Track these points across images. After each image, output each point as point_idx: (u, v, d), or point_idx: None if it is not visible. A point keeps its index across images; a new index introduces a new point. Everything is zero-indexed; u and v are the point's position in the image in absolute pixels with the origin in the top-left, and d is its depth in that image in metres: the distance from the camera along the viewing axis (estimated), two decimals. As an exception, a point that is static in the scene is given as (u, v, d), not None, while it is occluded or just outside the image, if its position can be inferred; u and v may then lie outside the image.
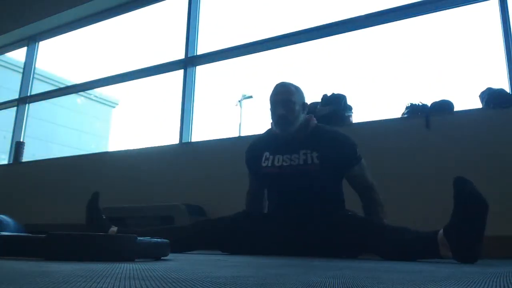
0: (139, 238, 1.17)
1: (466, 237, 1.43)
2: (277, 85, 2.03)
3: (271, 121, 2.07)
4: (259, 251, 1.85)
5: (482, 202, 1.41)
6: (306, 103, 2.04)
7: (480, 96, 2.62)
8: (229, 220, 1.95)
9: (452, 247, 1.46)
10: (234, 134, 6.13)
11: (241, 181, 2.25)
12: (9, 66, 7.55)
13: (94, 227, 1.93)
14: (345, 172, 1.97)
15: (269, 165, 1.98)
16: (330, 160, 1.90)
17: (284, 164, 1.93)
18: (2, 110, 5.47)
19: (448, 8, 2.97)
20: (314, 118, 2.08)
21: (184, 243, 1.87)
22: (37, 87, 5.35)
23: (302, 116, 2.00)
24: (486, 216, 1.42)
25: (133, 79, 4.43)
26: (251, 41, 3.67)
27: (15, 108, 5.09)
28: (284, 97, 1.95)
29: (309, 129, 2.00)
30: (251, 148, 2.16)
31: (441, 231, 1.52)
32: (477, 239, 1.43)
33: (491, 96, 2.53)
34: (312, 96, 3.13)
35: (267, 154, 2.01)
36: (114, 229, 1.97)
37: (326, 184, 1.93)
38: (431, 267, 1.16)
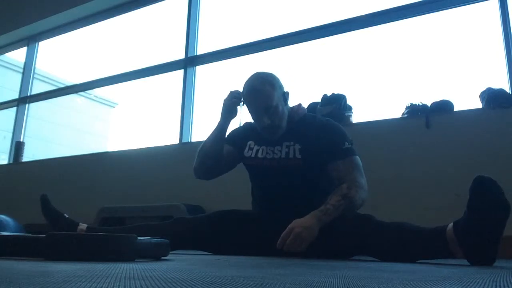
0: (139, 238, 1.17)
1: (479, 235, 1.28)
2: (252, 87, 1.72)
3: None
4: (241, 253, 1.73)
5: (503, 203, 1.26)
6: (287, 92, 1.78)
7: (480, 96, 2.63)
8: (208, 219, 1.83)
9: (461, 245, 1.32)
10: (234, 134, 6.09)
11: (241, 181, 2.24)
12: (9, 66, 7.55)
13: (61, 228, 1.82)
14: (326, 166, 1.70)
15: (253, 155, 1.80)
16: (313, 153, 1.70)
17: (267, 156, 1.75)
18: (2, 110, 5.48)
19: (448, 8, 2.97)
20: (303, 107, 1.85)
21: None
22: (37, 87, 5.35)
23: (286, 108, 1.77)
24: (507, 218, 1.27)
25: (133, 79, 4.43)
26: (251, 41, 3.68)
27: (15, 108, 5.09)
28: (266, 105, 1.68)
29: (295, 119, 1.79)
30: (236, 130, 1.95)
31: (450, 226, 1.37)
32: (493, 238, 1.28)
33: (491, 96, 2.53)
34: (312, 96, 3.13)
35: (251, 143, 1.84)
36: (82, 227, 1.87)
37: (311, 181, 1.73)
38: (431, 267, 1.16)
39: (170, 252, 1.37)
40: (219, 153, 1.81)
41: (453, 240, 1.36)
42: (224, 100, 1.78)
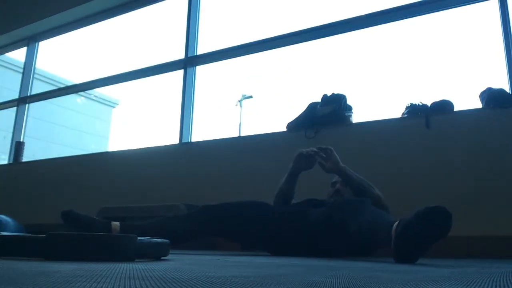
0: (139, 238, 1.17)
1: (413, 235, 1.35)
2: None
3: None
4: (271, 236, 1.96)
5: (447, 222, 1.33)
6: None
7: (480, 96, 2.62)
8: (242, 206, 2.01)
9: (394, 243, 1.39)
10: (234, 134, 6.13)
11: (241, 181, 2.25)
12: (9, 66, 7.54)
13: (96, 229, 1.82)
14: None
15: None
16: None
17: None
18: (2, 110, 5.47)
19: (448, 8, 2.97)
20: None
21: (190, 231, 1.94)
22: (37, 87, 5.35)
23: None
24: (443, 235, 1.35)
25: (133, 79, 4.43)
26: (251, 41, 3.67)
27: (15, 108, 5.09)
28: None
29: None
30: None
31: (396, 223, 1.45)
32: (423, 244, 1.35)
33: (491, 96, 2.53)
34: (312, 96, 3.13)
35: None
36: (116, 223, 1.91)
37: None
38: (430, 267, 1.17)
39: (171, 252, 1.37)
40: (293, 190, 2.25)
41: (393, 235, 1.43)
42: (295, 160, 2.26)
